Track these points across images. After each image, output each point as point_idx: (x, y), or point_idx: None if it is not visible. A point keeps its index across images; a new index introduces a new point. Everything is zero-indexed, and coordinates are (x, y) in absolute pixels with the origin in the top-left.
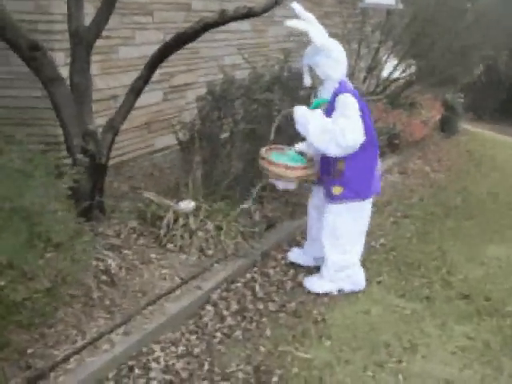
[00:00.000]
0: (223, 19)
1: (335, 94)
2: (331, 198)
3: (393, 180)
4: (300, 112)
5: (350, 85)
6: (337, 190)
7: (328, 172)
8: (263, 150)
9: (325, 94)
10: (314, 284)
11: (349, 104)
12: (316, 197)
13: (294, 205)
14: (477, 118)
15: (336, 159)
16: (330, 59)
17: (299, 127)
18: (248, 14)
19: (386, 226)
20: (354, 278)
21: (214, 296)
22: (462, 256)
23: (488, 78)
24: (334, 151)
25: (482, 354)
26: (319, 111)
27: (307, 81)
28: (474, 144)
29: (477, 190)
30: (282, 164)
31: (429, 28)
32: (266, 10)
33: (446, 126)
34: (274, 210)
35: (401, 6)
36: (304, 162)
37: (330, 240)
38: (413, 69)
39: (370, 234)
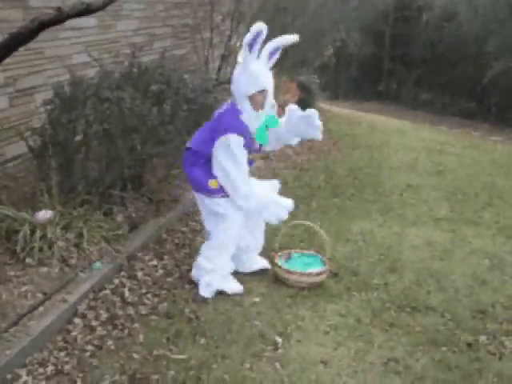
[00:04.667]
0: (60, 17)
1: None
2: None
3: (255, 166)
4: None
5: None
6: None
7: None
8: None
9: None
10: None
11: None
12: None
13: (158, 202)
14: (333, 97)
15: None
16: None
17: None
18: (87, 11)
19: None
20: None
21: (82, 307)
22: (329, 235)
23: (339, 58)
24: None
25: (353, 330)
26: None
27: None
28: (332, 123)
29: (338, 169)
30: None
31: (279, 13)
32: (104, 5)
33: (304, 107)
34: (137, 210)
35: None
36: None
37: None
38: None
39: None
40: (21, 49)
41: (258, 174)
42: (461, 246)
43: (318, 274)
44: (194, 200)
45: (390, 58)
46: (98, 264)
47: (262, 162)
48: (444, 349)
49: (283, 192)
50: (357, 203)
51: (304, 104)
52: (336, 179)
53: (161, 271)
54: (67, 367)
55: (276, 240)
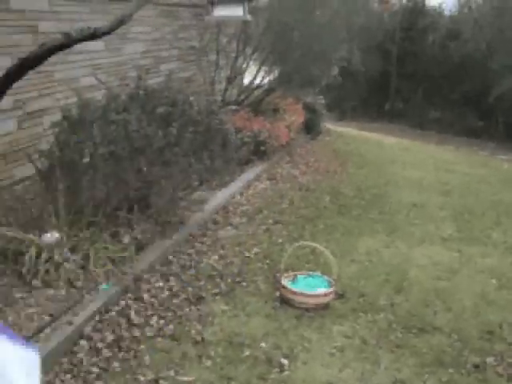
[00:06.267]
0: (68, 42)
1: None
2: None
3: (262, 187)
4: None
5: None
6: None
7: None
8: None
9: None
10: None
11: None
12: None
13: (164, 224)
14: (339, 117)
15: None
16: None
17: None
18: (94, 35)
19: (258, 235)
20: None
21: (88, 329)
22: (335, 255)
23: (344, 78)
24: None
25: (359, 351)
26: None
27: None
28: (338, 143)
29: (345, 189)
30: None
31: (284, 34)
32: (111, 29)
33: (310, 127)
34: (143, 232)
35: (249, 18)
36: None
37: None
38: (274, 74)
39: (243, 244)
40: (30, 72)
41: (263, 195)
42: (468, 266)
43: (324, 295)
44: (200, 222)
45: (397, 77)
46: (104, 286)
47: (268, 183)
48: (451, 370)
49: (289, 213)
50: (363, 223)
51: (310, 124)
52: (342, 199)
53: (167, 293)
54: None
55: (282, 261)
